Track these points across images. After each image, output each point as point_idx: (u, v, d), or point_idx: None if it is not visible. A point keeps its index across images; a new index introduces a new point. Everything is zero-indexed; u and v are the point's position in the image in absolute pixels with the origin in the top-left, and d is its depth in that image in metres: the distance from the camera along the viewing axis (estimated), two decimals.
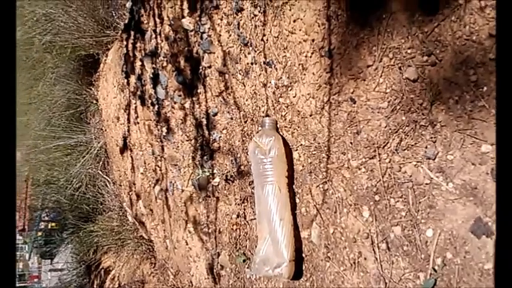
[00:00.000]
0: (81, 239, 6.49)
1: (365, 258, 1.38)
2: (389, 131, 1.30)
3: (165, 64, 2.63)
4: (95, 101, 5.63)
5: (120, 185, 4.84)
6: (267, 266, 1.65)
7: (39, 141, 6.27)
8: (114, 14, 4.68)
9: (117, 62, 4.31)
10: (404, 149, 1.28)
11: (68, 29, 4.97)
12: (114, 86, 4.31)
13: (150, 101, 2.92)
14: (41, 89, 6.00)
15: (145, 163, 3.46)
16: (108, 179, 5.76)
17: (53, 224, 17.02)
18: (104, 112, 5.01)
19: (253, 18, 1.79)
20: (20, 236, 21.49)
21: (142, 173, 3.57)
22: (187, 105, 2.50)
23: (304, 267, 1.66)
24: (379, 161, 1.34)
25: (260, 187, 1.71)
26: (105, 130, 4.90)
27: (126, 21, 3.14)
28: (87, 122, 6.52)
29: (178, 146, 2.75)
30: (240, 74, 1.96)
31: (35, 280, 18.39)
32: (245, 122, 2.01)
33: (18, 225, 19.39)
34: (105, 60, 5.02)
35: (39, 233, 17.28)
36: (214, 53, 2.13)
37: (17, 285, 19.54)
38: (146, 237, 4.58)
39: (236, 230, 2.27)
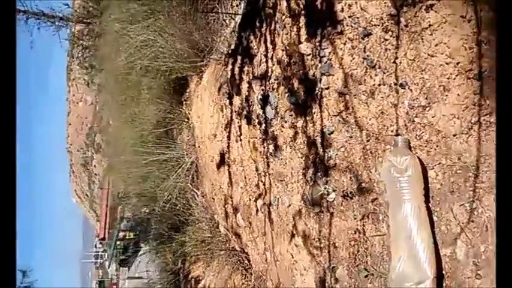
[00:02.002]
0: (170, 248, 6.90)
1: None
2: None
3: (275, 86, 2.79)
4: (186, 120, 6.03)
5: (213, 199, 5.10)
6: (408, 282, 1.69)
7: (134, 156, 6.81)
8: (208, 39, 5.03)
9: (213, 84, 4.61)
10: None
11: (164, 54, 5.42)
12: (210, 106, 4.60)
13: (257, 120, 3.10)
14: (136, 109, 6.55)
15: (245, 178, 3.65)
16: (197, 192, 6.10)
17: (131, 234, 18.17)
18: (196, 130, 5.35)
19: (383, 42, 1.87)
20: (100, 245, 23.18)
21: (242, 188, 3.76)
22: (299, 124, 2.63)
23: (445, 284, 1.68)
24: None
25: (396, 205, 1.76)
26: (198, 146, 5.22)
27: (233, 47, 3.38)
28: (174, 139, 6.98)
29: (286, 163, 2.88)
30: (363, 94, 2.05)
31: (114, 287, 19.62)
32: (367, 140, 2.09)
33: (100, 234, 20.93)
34: (199, 81, 5.38)
35: (118, 242, 18.51)
36: (333, 75, 2.24)
37: None
38: (239, 249, 4.77)
39: (354, 245, 2.33)
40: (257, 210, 3.57)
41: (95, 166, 20.57)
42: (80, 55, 12.57)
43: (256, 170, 3.33)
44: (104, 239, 19.59)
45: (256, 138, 3.21)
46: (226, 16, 4.54)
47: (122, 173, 7.40)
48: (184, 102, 6.20)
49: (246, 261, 4.74)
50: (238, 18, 3.85)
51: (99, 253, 23.16)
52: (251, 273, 4.67)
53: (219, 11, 4.65)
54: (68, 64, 19.64)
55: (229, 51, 3.57)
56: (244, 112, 3.27)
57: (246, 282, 4.75)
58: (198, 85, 5.44)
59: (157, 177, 6.53)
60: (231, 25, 3.90)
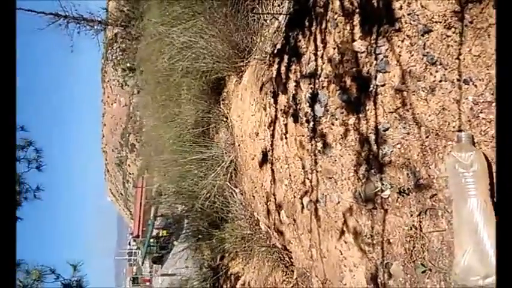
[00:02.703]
0: (208, 245, 7.04)
1: None
2: None
3: (325, 84, 2.83)
4: (225, 119, 6.15)
5: (253, 196, 5.19)
6: (474, 276, 1.70)
7: (173, 155, 6.99)
8: (248, 40, 5.12)
9: (255, 83, 4.70)
10: None
11: (205, 55, 5.55)
12: (252, 105, 4.68)
13: (304, 118, 3.15)
14: (176, 109, 6.73)
15: (290, 176, 3.70)
16: (236, 190, 6.21)
17: (164, 232, 18.57)
18: (236, 129, 5.45)
19: (445, 38, 1.88)
20: (133, 242, 23.84)
21: (286, 185, 3.82)
22: (350, 121, 2.66)
23: None
24: None
25: (461, 200, 1.77)
26: (238, 145, 5.32)
27: (279, 46, 3.44)
28: (212, 138, 7.11)
29: (335, 160, 2.92)
30: (423, 91, 2.06)
31: (147, 283, 20.19)
32: (427, 137, 2.10)
33: (134, 232, 21.53)
34: (238, 81, 5.48)
35: (152, 240, 18.97)
36: (389, 72, 2.26)
37: (131, 287, 21.61)
38: (280, 246, 4.83)
39: (410, 241, 2.34)
40: (302, 208, 3.61)
41: (129, 165, 21.18)
42: (114, 57, 13.00)
43: (303, 167, 3.38)
44: (137, 236, 20.14)
45: (303, 136, 3.26)
46: (267, 16, 4.61)
47: (160, 172, 7.61)
48: (222, 102, 6.32)
49: (287, 259, 4.79)
50: (281, 18, 3.91)
51: (133, 250, 23.85)
52: (292, 271, 4.73)
53: (260, 12, 4.73)
54: (103, 66, 20.31)
55: (274, 51, 3.64)
56: (291, 110, 3.33)
57: (286, 279, 4.81)
58: (237, 85, 5.54)
59: (195, 175, 6.69)
60: (274, 25, 3.97)
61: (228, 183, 6.11)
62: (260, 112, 4.36)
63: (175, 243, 15.16)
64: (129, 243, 25.56)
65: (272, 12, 4.49)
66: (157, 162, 7.75)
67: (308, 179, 3.35)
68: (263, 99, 4.36)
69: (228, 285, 5.96)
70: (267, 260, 5.21)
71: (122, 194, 23.82)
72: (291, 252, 4.57)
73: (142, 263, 20.86)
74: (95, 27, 10.67)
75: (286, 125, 3.51)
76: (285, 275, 4.81)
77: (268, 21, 4.62)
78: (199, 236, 7.23)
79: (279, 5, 4.38)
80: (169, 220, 17.49)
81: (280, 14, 3.52)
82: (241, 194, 6.06)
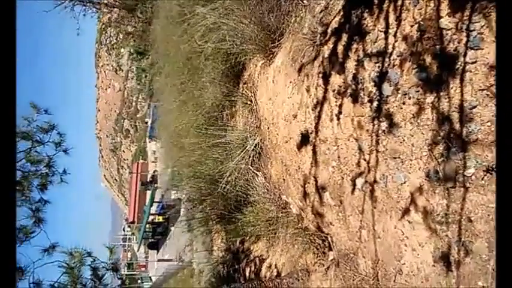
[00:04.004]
0: (226, 228, 6.99)
1: None
2: None
3: (397, 63, 2.80)
4: (248, 102, 6.05)
5: (283, 179, 5.15)
6: None
7: (193, 139, 6.86)
8: (280, 21, 5.01)
9: (290, 64, 4.62)
10: None
11: (232, 37, 5.41)
12: (287, 87, 4.61)
13: (367, 98, 3.11)
14: (196, 92, 6.58)
15: (339, 157, 3.68)
16: (257, 173, 6.16)
17: (160, 218, 18.45)
18: (264, 111, 5.37)
19: None
20: (128, 228, 23.62)
21: (333, 167, 3.79)
22: (428, 100, 2.64)
23: None
24: None
25: None
26: (268, 128, 5.26)
27: (335, 26, 3.37)
28: (231, 121, 7.01)
29: (404, 140, 2.90)
30: None
31: (142, 269, 20.08)
32: None
33: (129, 217, 21.30)
34: (265, 63, 5.38)
35: (147, 226, 18.84)
36: (483, 49, 2.24)
37: (126, 273, 21.45)
38: (313, 228, 4.84)
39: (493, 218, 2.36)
40: (353, 189, 3.60)
41: (123, 151, 20.83)
42: (108, 42, 12.61)
43: (359, 148, 3.35)
44: (133, 222, 19.94)
45: (362, 116, 3.23)
46: None
47: (176, 156, 7.47)
48: (244, 85, 6.21)
49: (318, 241, 4.81)
50: None
51: (127, 236, 23.63)
52: (324, 252, 4.75)
53: None
54: (96, 51, 19.73)
55: (327, 30, 3.56)
56: (349, 90, 3.28)
57: (319, 261, 4.82)
58: (265, 67, 5.44)
59: (214, 159, 6.60)
60: (319, 4, 3.88)
61: (250, 167, 6.06)
62: (300, 94, 4.29)
63: (172, 228, 15.06)
64: (124, 229, 25.33)
65: None
66: (173, 146, 7.61)
67: (365, 160, 3.33)
68: (303, 81, 4.29)
69: (253, 268, 5.95)
70: (296, 242, 5.21)
71: (116, 180, 23.48)
72: (327, 234, 4.59)
73: (138, 248, 20.72)
74: (102, 9, 10.29)
75: (340, 105, 3.46)
76: (317, 256, 4.82)
77: (305, 1, 4.53)
78: (217, 220, 7.18)
79: None
80: (165, 205, 17.39)
81: None
82: (265, 178, 6.02)
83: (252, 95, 5.93)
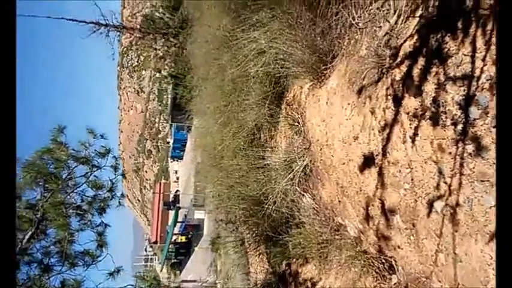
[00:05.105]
0: (271, 250, 6.92)
1: None
2: None
3: (486, 86, 2.80)
4: (295, 124, 6.08)
5: (339, 201, 5.12)
6: None
7: (234, 161, 6.87)
8: (333, 43, 5.07)
9: (347, 86, 4.65)
10: None
11: (281, 60, 5.48)
12: (345, 108, 4.63)
13: (450, 121, 3.11)
14: (239, 114, 6.63)
15: (413, 180, 3.66)
16: (304, 195, 6.13)
17: (183, 238, 18.35)
18: (315, 133, 5.38)
19: None
20: (150, 248, 23.52)
21: (406, 190, 3.77)
22: None
23: None
24: None
25: None
26: (320, 149, 5.26)
27: (410, 49, 3.40)
28: (274, 142, 7.02)
29: (494, 162, 2.88)
30: None
31: None
32: None
33: (151, 238, 21.24)
34: (314, 85, 5.42)
35: (170, 246, 18.75)
36: None
37: None
38: (374, 251, 4.77)
39: None
40: (429, 212, 3.57)
41: (146, 172, 20.94)
42: (130, 65, 12.85)
43: (439, 171, 3.33)
44: (155, 242, 19.86)
45: (443, 139, 3.22)
46: (359, 19, 4.56)
47: (216, 177, 7.48)
48: (289, 107, 6.25)
49: (377, 263, 4.74)
50: (393, 20, 3.87)
51: (150, 256, 23.54)
52: (383, 275, 4.67)
53: (351, 15, 4.68)
54: (118, 74, 20.10)
55: (397, 53, 3.59)
56: (428, 113, 3.28)
57: (379, 284, 4.75)
58: (313, 89, 5.48)
59: (257, 181, 6.59)
60: (384, 27, 3.92)
61: (297, 188, 6.04)
62: (362, 116, 4.30)
63: (195, 249, 14.97)
64: (145, 249, 25.21)
65: (369, 15, 4.45)
66: (211, 168, 7.63)
67: (445, 183, 3.30)
68: (364, 103, 4.31)
69: None
70: (352, 265, 5.14)
71: (138, 200, 23.53)
72: (390, 257, 4.52)
73: (161, 269, 20.53)
74: (135, 35, 10.55)
75: (416, 128, 3.46)
76: (376, 280, 4.75)
77: (360, 24, 4.58)
78: (259, 241, 7.12)
79: (378, 8, 4.35)
80: (188, 225, 17.29)
81: (414, 16, 3.47)
82: (313, 199, 5.99)
83: (299, 116, 5.95)
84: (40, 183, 4.86)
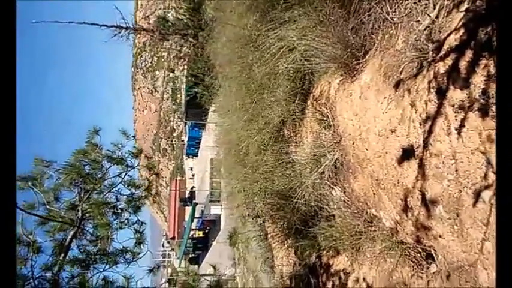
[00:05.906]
0: (301, 243, 7.02)
1: None
2: None
3: None
4: (324, 119, 6.15)
5: (374, 194, 5.21)
6: None
7: (259, 156, 6.94)
8: (365, 39, 5.13)
9: (383, 80, 4.72)
10: None
11: (313, 56, 5.54)
12: (381, 102, 4.70)
13: None
14: (265, 111, 6.69)
15: (457, 171, 3.74)
16: (334, 188, 6.22)
17: (200, 233, 18.54)
18: (347, 127, 5.46)
19: None
20: (167, 244, 23.72)
21: (450, 181, 3.85)
22: None
23: None
24: None
25: None
26: (353, 143, 5.34)
27: (456, 42, 3.47)
28: (290, 138, 7.09)
29: None
30: None
31: None
32: None
33: (169, 233, 21.42)
34: (344, 80, 5.49)
35: (188, 241, 18.94)
36: None
37: None
38: (411, 241, 4.87)
39: None
40: (475, 202, 3.65)
41: (161, 169, 21.11)
42: (144, 65, 12.89)
43: (488, 162, 3.41)
44: (173, 238, 20.04)
45: (493, 129, 3.29)
46: (393, 14, 4.63)
47: (241, 172, 7.56)
48: (317, 102, 6.32)
49: (413, 253, 4.85)
50: (434, 14, 3.94)
51: (167, 252, 23.76)
52: (420, 265, 4.77)
53: (382, 11, 4.74)
54: (133, 74, 20.17)
55: (441, 47, 3.66)
56: (476, 105, 3.36)
57: (416, 274, 4.85)
58: (344, 84, 5.55)
59: (283, 175, 6.67)
60: (424, 22, 3.99)
61: (327, 182, 6.13)
62: (400, 109, 4.38)
63: (213, 243, 15.11)
64: (163, 244, 25.45)
65: (405, 10, 4.52)
66: (236, 164, 7.70)
67: (494, 172, 3.39)
68: (403, 96, 4.38)
69: (337, 282, 5.96)
70: (388, 255, 5.24)
71: (155, 197, 23.73)
72: (429, 247, 4.62)
73: (179, 264, 20.70)
74: (155, 36, 10.64)
75: (462, 119, 3.53)
76: (414, 269, 4.85)
77: (395, 19, 4.65)
78: (287, 234, 7.21)
79: (415, 3, 4.41)
80: (205, 220, 17.40)
81: (458, 10, 3.54)
82: (344, 192, 6.07)
83: (328, 111, 6.02)
84: (77, 184, 4.95)
